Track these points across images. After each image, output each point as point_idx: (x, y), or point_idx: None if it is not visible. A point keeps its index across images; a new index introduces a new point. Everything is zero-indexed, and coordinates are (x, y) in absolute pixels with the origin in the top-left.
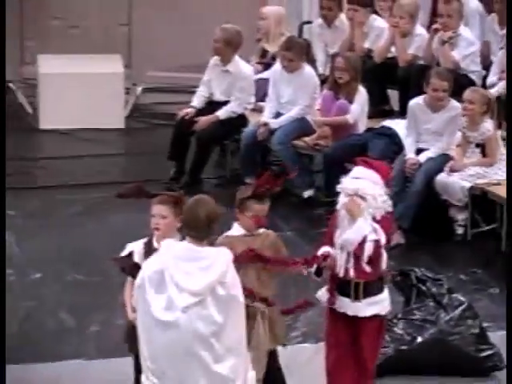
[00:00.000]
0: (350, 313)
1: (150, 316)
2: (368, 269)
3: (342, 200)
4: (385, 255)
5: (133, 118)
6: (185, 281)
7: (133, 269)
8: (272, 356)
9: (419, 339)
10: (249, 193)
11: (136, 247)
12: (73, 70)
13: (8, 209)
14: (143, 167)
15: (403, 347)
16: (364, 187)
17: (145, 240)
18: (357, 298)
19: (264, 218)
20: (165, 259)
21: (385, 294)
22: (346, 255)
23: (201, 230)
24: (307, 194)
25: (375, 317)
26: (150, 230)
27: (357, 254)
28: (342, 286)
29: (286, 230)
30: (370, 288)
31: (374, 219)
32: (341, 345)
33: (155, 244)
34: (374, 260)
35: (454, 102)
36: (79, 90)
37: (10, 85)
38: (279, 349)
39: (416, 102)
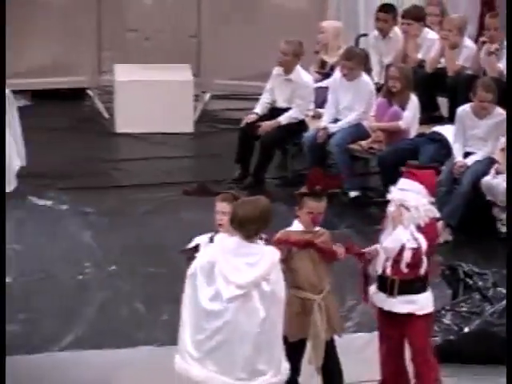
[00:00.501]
0: (386, 308)
1: (197, 304)
2: (405, 270)
3: (389, 207)
4: (425, 261)
5: (201, 123)
6: (232, 274)
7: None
8: (329, 345)
9: (466, 330)
10: (305, 190)
11: (202, 240)
12: (146, 78)
13: (85, 206)
14: (210, 168)
15: (451, 337)
16: (408, 199)
17: (210, 234)
18: (391, 294)
19: (320, 215)
20: (216, 252)
21: (424, 296)
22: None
23: (252, 229)
24: (353, 194)
25: (415, 316)
26: (215, 226)
27: (396, 259)
28: (380, 282)
29: (342, 227)
30: (406, 286)
31: (418, 227)
32: (390, 338)
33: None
34: (412, 265)
35: (498, 109)
36: (152, 97)
37: (89, 92)
38: (336, 338)
39: (463, 109)
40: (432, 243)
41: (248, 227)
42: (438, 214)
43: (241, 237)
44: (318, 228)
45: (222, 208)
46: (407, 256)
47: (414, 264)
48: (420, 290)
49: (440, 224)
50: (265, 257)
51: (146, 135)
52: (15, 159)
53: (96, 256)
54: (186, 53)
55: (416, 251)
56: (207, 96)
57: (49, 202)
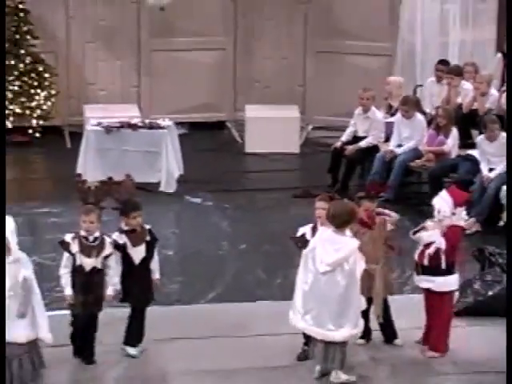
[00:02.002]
0: (416, 283)
1: (304, 275)
2: (426, 262)
3: (435, 212)
4: (443, 257)
5: (305, 146)
6: (325, 256)
7: (304, 244)
8: (385, 302)
9: (490, 293)
10: (363, 194)
11: (305, 230)
12: (267, 115)
13: (224, 203)
14: (311, 178)
15: (479, 298)
16: (443, 209)
17: (311, 225)
18: (418, 274)
19: (373, 212)
20: (316, 240)
21: (442, 278)
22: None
23: (340, 223)
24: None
25: (432, 291)
26: (314, 219)
27: (422, 250)
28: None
29: (404, 220)
30: (427, 270)
31: (443, 232)
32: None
33: (320, 227)
34: (432, 258)
35: (502, 134)
36: (271, 128)
37: (228, 124)
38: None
39: (480, 137)
40: (453, 245)
41: (338, 221)
42: (461, 223)
43: (334, 230)
44: (378, 221)
45: (321, 205)
46: (430, 251)
47: (434, 257)
48: (438, 273)
49: (471, 222)
50: (347, 245)
51: (267, 154)
52: (176, 169)
53: (231, 238)
54: (295, 97)
55: (437, 250)
56: (309, 127)
57: (199, 200)
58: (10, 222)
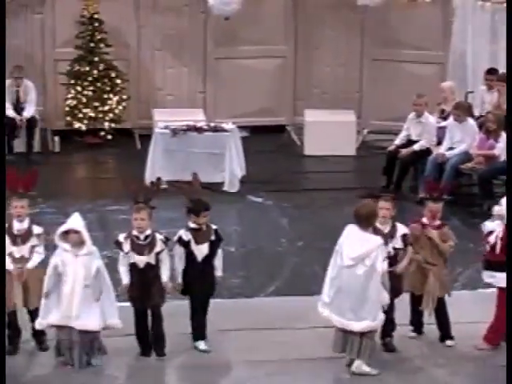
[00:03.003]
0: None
1: (332, 268)
2: (489, 254)
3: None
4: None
5: (361, 149)
6: (349, 251)
7: None
8: (440, 301)
9: None
10: (426, 195)
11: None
12: (324, 119)
13: (283, 202)
14: (366, 179)
15: None
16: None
17: None
18: (484, 269)
19: (437, 213)
20: (345, 236)
21: (502, 275)
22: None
23: (367, 224)
24: None
25: (498, 288)
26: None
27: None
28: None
29: (454, 220)
30: (489, 265)
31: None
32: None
33: (378, 225)
34: (493, 248)
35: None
36: (329, 131)
37: (287, 127)
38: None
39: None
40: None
41: (364, 221)
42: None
43: (359, 227)
44: (438, 222)
45: (384, 206)
46: (492, 238)
47: (492, 247)
48: (498, 269)
49: None
50: (370, 241)
51: (325, 156)
52: (238, 170)
53: (289, 235)
54: (351, 102)
55: (496, 239)
56: (365, 131)
57: (260, 199)
58: (79, 219)
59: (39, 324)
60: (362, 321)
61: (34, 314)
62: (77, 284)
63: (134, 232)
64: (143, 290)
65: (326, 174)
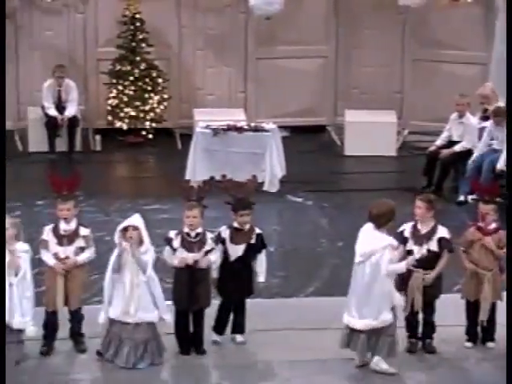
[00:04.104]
0: None
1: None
2: None
3: None
4: None
5: (401, 150)
6: (359, 248)
7: (402, 241)
8: (493, 306)
9: None
10: (478, 197)
11: (406, 227)
12: (365, 120)
13: (323, 202)
14: (406, 180)
15: None
16: None
17: (412, 223)
18: None
19: (487, 215)
20: (360, 233)
21: None
22: None
23: (383, 223)
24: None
25: None
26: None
27: None
28: None
29: None
30: None
31: None
32: None
33: (419, 226)
34: None
35: None
36: (369, 132)
37: (328, 128)
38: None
39: None
40: None
41: (380, 220)
42: None
43: (373, 226)
44: (494, 225)
45: (418, 205)
46: None
47: None
48: None
49: None
50: (379, 240)
51: (365, 157)
52: (279, 170)
53: (329, 235)
54: (392, 103)
55: None
56: (406, 132)
57: (299, 199)
58: (139, 218)
59: (102, 318)
60: (363, 319)
61: (74, 315)
62: (135, 281)
63: (186, 229)
64: (191, 290)
65: (366, 174)
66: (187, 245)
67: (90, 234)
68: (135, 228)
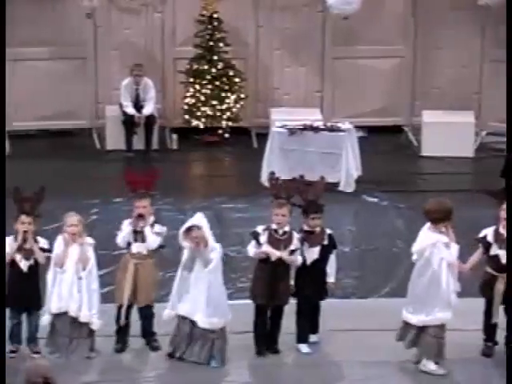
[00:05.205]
0: None
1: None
2: None
3: None
4: None
5: (479, 151)
6: (414, 245)
7: (485, 245)
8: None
9: None
10: None
11: (488, 231)
12: (442, 120)
13: (399, 203)
14: (484, 181)
15: None
16: None
17: (494, 227)
18: None
19: None
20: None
21: None
22: None
23: (433, 220)
24: None
25: None
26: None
27: None
28: None
29: None
30: None
31: None
32: None
33: (501, 230)
34: None
35: None
36: (446, 132)
37: (404, 128)
38: None
39: None
40: None
41: (431, 217)
42: None
43: (430, 224)
44: None
45: (502, 207)
46: None
47: None
48: None
49: None
50: (427, 238)
51: (442, 157)
52: (354, 170)
53: (405, 236)
54: (470, 104)
55: None
56: (484, 133)
57: (375, 200)
58: (202, 218)
59: (167, 315)
60: (417, 314)
61: (143, 313)
62: (200, 279)
63: (274, 226)
64: (271, 286)
65: (443, 175)
66: (273, 241)
67: (166, 231)
68: (199, 228)
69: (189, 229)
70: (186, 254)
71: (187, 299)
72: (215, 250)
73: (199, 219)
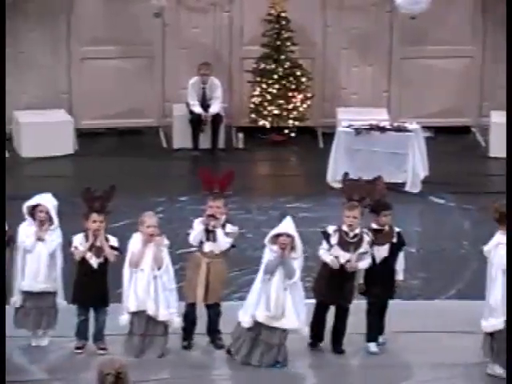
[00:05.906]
0: None
1: None
2: None
3: None
4: None
5: None
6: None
7: None
8: None
9: None
10: None
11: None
12: None
13: (466, 204)
14: None
15: None
16: None
17: None
18: None
19: None
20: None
21: None
22: None
23: (496, 218)
24: None
25: None
26: None
27: None
28: None
29: None
30: None
31: None
32: None
33: None
34: None
35: None
36: None
37: (472, 128)
38: None
39: None
40: None
41: (492, 215)
42: None
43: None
44: None
45: None
46: None
47: None
48: None
49: None
50: (493, 239)
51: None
52: (421, 170)
53: (472, 238)
54: None
55: None
56: None
57: (442, 201)
58: (292, 224)
59: (247, 322)
60: (488, 319)
61: (211, 310)
62: (282, 285)
63: (345, 228)
64: (337, 284)
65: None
66: (344, 243)
67: (237, 231)
68: (289, 235)
69: (278, 235)
70: (268, 257)
71: (263, 305)
72: (298, 259)
73: (289, 227)
